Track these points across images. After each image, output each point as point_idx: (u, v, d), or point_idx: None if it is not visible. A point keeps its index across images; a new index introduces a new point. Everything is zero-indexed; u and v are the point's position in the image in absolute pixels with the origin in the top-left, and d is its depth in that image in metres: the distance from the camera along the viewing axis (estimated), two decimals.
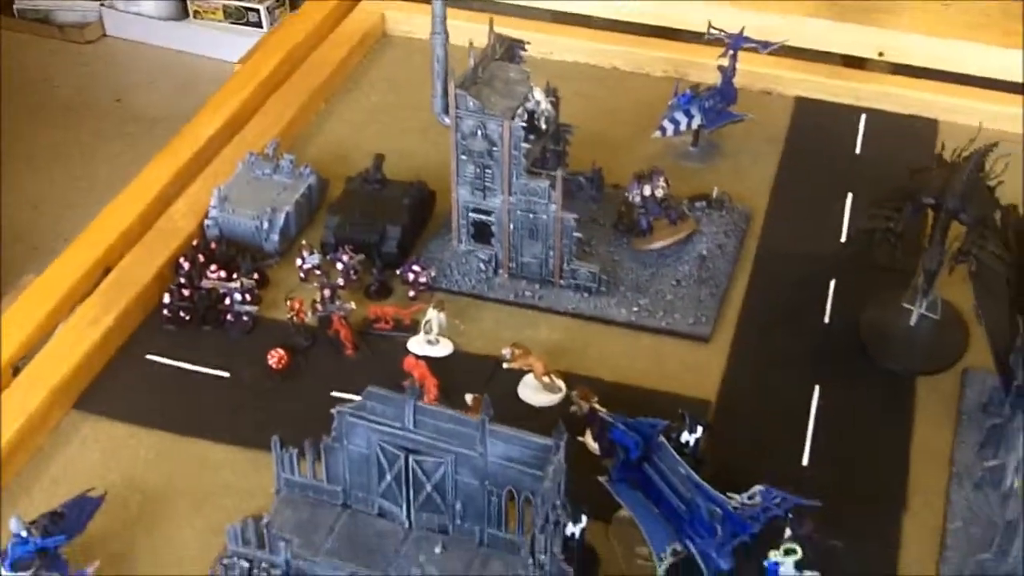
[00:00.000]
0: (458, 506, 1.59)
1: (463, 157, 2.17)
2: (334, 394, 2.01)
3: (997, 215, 2.01)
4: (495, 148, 2.13)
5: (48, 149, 4.74)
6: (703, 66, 2.71)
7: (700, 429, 1.85)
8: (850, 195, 2.47)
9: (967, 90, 2.80)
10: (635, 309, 2.22)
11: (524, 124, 2.13)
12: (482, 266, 2.27)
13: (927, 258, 1.94)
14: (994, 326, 1.94)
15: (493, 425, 1.52)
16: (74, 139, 4.36)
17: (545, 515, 1.48)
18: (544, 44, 2.88)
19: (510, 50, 2.27)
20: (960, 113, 2.61)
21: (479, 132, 2.12)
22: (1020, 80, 2.76)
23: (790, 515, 1.71)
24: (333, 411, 1.60)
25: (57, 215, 4.37)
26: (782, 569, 1.68)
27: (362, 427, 1.58)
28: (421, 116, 2.33)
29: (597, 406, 1.93)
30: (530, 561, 1.46)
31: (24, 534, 1.66)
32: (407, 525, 1.64)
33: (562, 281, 2.25)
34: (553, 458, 1.48)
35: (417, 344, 2.14)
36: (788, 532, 1.72)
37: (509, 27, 2.35)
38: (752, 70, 2.75)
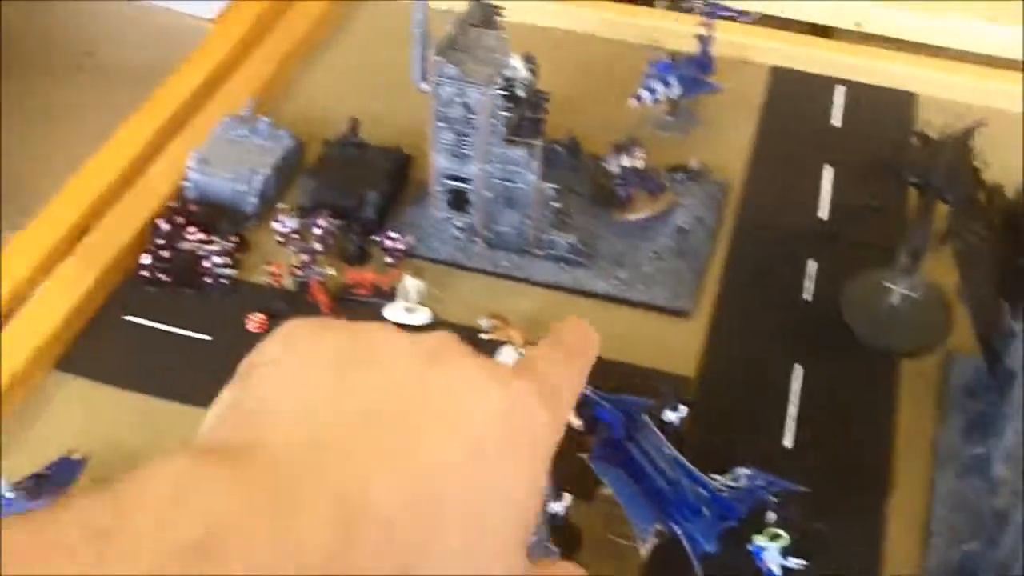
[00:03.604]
0: None
1: (441, 124, 2.12)
2: None
3: (982, 195, 2.01)
4: (473, 116, 2.10)
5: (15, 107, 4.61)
6: (678, 33, 2.69)
7: (683, 408, 1.85)
8: (829, 168, 2.45)
9: (947, 63, 2.78)
10: (613, 281, 2.20)
11: (503, 92, 2.10)
12: (459, 234, 2.24)
13: (913, 236, 1.93)
14: (978, 308, 1.93)
15: None
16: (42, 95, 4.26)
17: None
18: (520, 9, 2.85)
19: (487, 15, 2.23)
20: (940, 87, 2.59)
21: (458, 100, 2.09)
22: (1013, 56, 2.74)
23: (775, 499, 1.72)
24: None
25: (28, 174, 4.26)
26: (766, 555, 1.69)
27: None
28: (397, 79, 2.27)
29: None
30: None
31: (11, 496, 1.64)
32: None
33: (539, 251, 2.23)
34: None
35: (394, 311, 2.11)
36: (772, 516, 1.72)
37: None
38: (727, 39, 2.72)
